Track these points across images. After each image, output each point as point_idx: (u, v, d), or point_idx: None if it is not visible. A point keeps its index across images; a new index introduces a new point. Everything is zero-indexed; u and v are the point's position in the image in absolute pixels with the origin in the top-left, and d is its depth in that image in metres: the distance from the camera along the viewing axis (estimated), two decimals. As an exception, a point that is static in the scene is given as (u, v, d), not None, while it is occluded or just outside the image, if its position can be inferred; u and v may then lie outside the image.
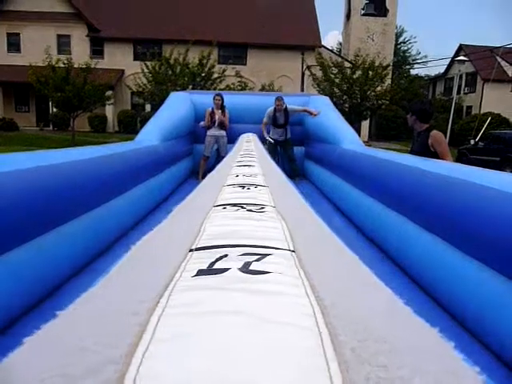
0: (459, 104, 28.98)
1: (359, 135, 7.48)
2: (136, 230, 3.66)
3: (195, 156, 7.19)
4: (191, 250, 0.69)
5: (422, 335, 0.47)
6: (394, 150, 16.85)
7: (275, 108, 6.64)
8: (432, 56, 79.02)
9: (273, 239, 0.76)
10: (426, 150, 3.68)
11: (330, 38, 79.78)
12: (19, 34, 26.74)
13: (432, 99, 33.87)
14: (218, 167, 2.40)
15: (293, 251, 0.69)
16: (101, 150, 3.46)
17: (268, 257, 0.64)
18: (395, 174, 3.31)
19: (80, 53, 25.42)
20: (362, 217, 3.92)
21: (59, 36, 26.91)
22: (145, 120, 6.55)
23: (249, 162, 2.39)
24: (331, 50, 29.61)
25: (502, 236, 1.77)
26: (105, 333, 0.42)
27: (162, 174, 4.95)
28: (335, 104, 8.05)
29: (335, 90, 21.38)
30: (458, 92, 27.47)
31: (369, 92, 21.15)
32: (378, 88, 21.47)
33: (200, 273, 0.58)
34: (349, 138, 5.65)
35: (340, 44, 37.11)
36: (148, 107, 24.04)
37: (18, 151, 3.41)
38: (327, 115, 6.54)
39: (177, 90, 10.79)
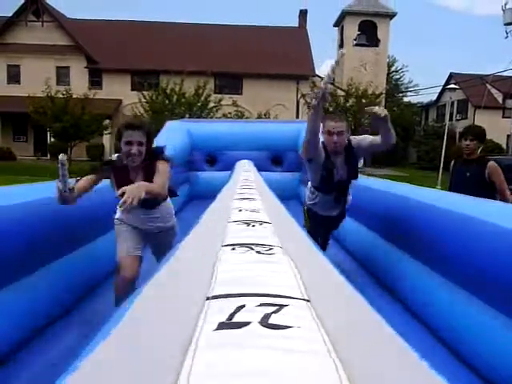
0: (452, 130, 29.41)
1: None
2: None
3: (192, 184, 7.27)
4: (208, 299, 0.67)
5: None
6: (390, 176, 17.01)
7: (326, 143, 3.05)
8: (423, 84, 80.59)
9: (286, 286, 0.74)
10: (484, 180, 3.57)
11: (325, 67, 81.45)
12: (19, 65, 27.21)
13: (425, 126, 34.37)
14: (219, 198, 2.30)
15: (308, 301, 0.68)
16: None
17: (285, 308, 0.63)
18: (394, 207, 3.35)
19: (79, 84, 25.82)
20: (363, 249, 3.92)
21: (58, 68, 27.40)
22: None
23: (249, 195, 2.31)
24: (325, 79, 30.14)
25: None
26: None
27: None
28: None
29: (329, 117, 21.72)
30: (451, 119, 27.88)
31: (363, 120, 21.50)
32: (372, 115, 21.83)
33: (221, 326, 0.56)
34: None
35: (334, 73, 37.81)
36: (145, 136, 24.25)
37: (13, 182, 3.46)
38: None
39: (173, 119, 10.98)
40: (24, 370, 1.91)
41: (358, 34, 30.07)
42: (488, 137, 21.79)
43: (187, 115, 19.28)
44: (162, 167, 2.51)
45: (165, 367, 0.46)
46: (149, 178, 2.42)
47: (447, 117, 21.50)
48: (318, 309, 0.65)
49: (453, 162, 4.17)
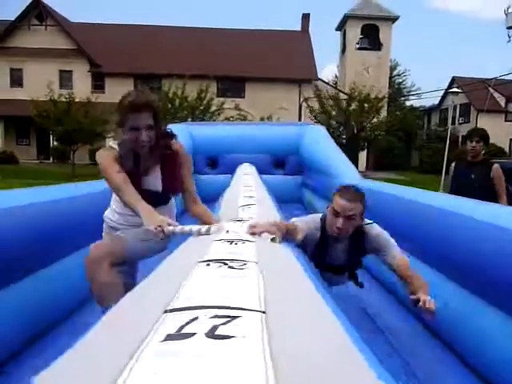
0: (455, 134, 29.38)
1: (357, 166, 7.55)
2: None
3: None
4: (166, 312, 0.71)
5: None
6: (392, 180, 16.98)
7: (328, 222, 2.20)
8: (426, 88, 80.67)
9: (246, 299, 0.77)
10: (488, 183, 3.56)
11: (327, 70, 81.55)
12: (22, 69, 27.33)
13: (427, 130, 34.34)
14: (225, 201, 2.36)
15: (263, 312, 0.70)
16: (91, 185, 3.48)
17: (237, 319, 0.66)
18: (399, 212, 3.33)
19: (82, 87, 25.91)
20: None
21: (61, 71, 27.51)
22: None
23: (248, 203, 2.39)
24: (327, 83, 30.23)
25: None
26: None
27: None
28: (332, 135, 8.14)
29: (332, 121, 21.73)
30: (453, 122, 27.86)
31: (365, 123, 21.50)
32: (374, 120, 21.85)
33: (168, 338, 0.60)
34: (344, 170, 5.72)
35: (336, 77, 37.90)
36: (147, 139, 24.30)
37: (16, 185, 3.45)
38: (322, 145, 6.64)
39: (176, 123, 11.00)
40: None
41: (361, 38, 30.12)
42: (491, 140, 21.67)
43: (189, 119, 19.31)
44: (187, 161, 2.24)
45: (106, 374, 0.49)
46: (167, 169, 2.08)
47: (450, 121, 21.44)
48: (272, 321, 0.67)
49: (453, 164, 4.15)
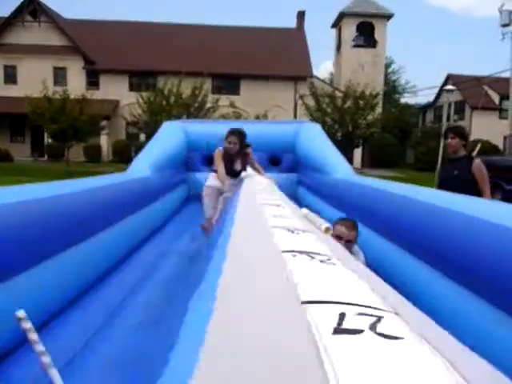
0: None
1: (352, 163, 7.54)
2: (130, 260, 3.67)
3: (189, 184, 7.26)
4: (303, 303, 0.65)
5: None
6: (386, 177, 17.03)
7: None
8: (421, 85, 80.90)
9: (369, 297, 0.73)
10: (468, 178, 3.63)
11: (323, 68, 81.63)
12: (16, 66, 27.17)
13: (422, 127, 34.46)
14: (240, 203, 2.20)
15: (396, 314, 0.66)
16: (93, 181, 3.50)
17: (384, 319, 0.61)
18: (385, 203, 3.37)
19: (76, 84, 25.79)
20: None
21: (55, 68, 27.38)
22: (139, 149, 6.57)
23: (274, 201, 2.23)
24: (323, 80, 30.25)
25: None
26: None
27: (154, 204, 4.99)
28: (327, 133, 8.15)
29: (327, 119, 21.75)
30: (448, 120, 27.93)
31: (360, 121, 21.54)
32: (369, 117, 21.89)
33: (337, 331, 0.55)
34: (339, 167, 5.74)
35: (332, 74, 37.92)
36: (142, 137, 24.32)
37: (10, 183, 3.44)
38: (318, 143, 6.66)
39: (171, 120, 10.98)
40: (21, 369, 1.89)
41: (356, 35, 30.14)
42: (485, 138, 21.82)
43: (184, 116, 19.28)
44: (251, 156, 4.59)
45: (309, 373, 0.45)
46: (243, 160, 4.43)
47: (445, 118, 21.51)
48: (407, 321, 0.63)
49: (439, 162, 4.29)
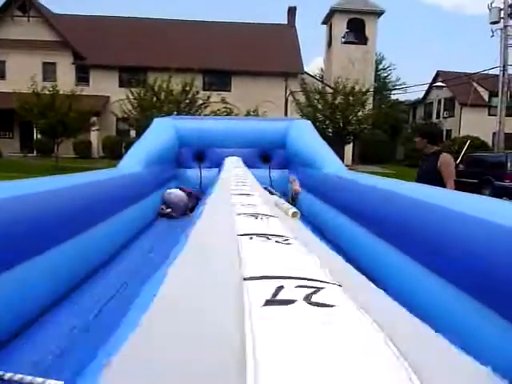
0: (439, 128, 29.70)
1: (343, 159, 7.57)
2: (121, 254, 3.67)
3: (180, 181, 7.25)
4: (245, 279, 0.68)
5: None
6: (377, 173, 17.13)
7: None
8: (411, 82, 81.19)
9: (316, 272, 0.75)
10: (434, 172, 3.84)
11: (314, 64, 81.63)
12: (4, 61, 26.83)
13: (413, 123, 34.67)
14: (213, 195, 2.31)
15: (340, 286, 0.69)
16: (82, 176, 3.49)
17: (322, 290, 0.64)
18: (373, 200, 3.40)
19: (65, 80, 25.55)
20: (345, 240, 3.98)
21: (45, 63, 27.08)
22: (130, 146, 6.55)
23: (245, 190, 2.31)
24: (313, 76, 30.28)
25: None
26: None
27: (144, 200, 4.98)
28: (318, 129, 8.19)
29: (318, 115, 21.81)
30: (438, 116, 28.19)
31: (350, 117, 21.62)
32: (360, 113, 21.99)
33: (268, 303, 0.58)
34: (329, 163, 5.78)
35: (322, 70, 37.97)
36: (133, 133, 24.18)
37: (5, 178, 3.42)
38: (308, 139, 6.69)
39: (162, 116, 10.94)
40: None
41: (347, 32, 30.20)
42: (474, 134, 21.99)
43: (175, 112, 19.21)
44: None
45: (225, 343, 0.48)
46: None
47: (434, 114, 21.67)
48: (351, 294, 0.66)
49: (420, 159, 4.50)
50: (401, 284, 2.70)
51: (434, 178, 3.73)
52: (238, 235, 1.05)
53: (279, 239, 1.03)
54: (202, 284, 0.72)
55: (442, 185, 3.71)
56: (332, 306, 0.58)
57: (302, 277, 0.70)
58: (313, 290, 0.64)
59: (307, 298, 0.59)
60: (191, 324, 0.55)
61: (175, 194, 5.26)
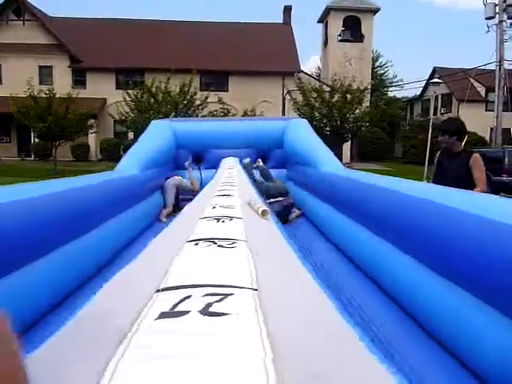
0: (437, 124, 29.71)
1: (341, 157, 7.56)
2: (120, 258, 3.67)
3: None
4: (158, 291, 0.72)
5: None
6: (375, 170, 17.14)
7: None
8: (408, 78, 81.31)
9: (238, 277, 0.78)
10: (467, 173, 3.54)
11: (311, 63, 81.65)
12: (0, 65, 26.79)
13: (410, 120, 34.69)
14: (199, 196, 2.40)
15: (255, 290, 0.72)
16: (80, 179, 3.49)
17: (230, 297, 0.67)
18: (372, 197, 3.40)
19: (62, 83, 25.50)
20: (343, 239, 3.98)
21: (41, 67, 27.04)
22: (128, 148, 6.55)
23: (228, 191, 2.36)
24: (310, 75, 30.27)
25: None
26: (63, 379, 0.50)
27: (142, 203, 4.98)
28: (316, 128, 8.18)
29: (315, 113, 21.80)
30: (435, 113, 28.14)
31: (348, 115, 21.61)
32: (357, 111, 21.98)
33: (162, 315, 0.61)
34: (327, 161, 5.78)
35: (319, 69, 37.97)
36: (131, 135, 24.15)
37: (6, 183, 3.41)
38: (305, 138, 6.69)
39: (159, 118, 10.93)
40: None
41: (343, 30, 30.18)
42: (472, 130, 22.00)
43: (173, 114, 19.19)
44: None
45: (100, 351, 0.51)
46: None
47: (432, 111, 21.68)
48: (264, 298, 0.69)
49: (438, 153, 4.11)
50: (399, 279, 2.71)
51: (468, 181, 3.43)
52: (187, 241, 1.09)
53: (225, 243, 1.06)
54: (121, 297, 0.77)
55: (472, 187, 3.43)
56: (227, 314, 0.61)
57: (216, 284, 0.73)
58: (219, 297, 0.67)
59: (205, 308, 0.62)
60: (93, 330, 0.62)
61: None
